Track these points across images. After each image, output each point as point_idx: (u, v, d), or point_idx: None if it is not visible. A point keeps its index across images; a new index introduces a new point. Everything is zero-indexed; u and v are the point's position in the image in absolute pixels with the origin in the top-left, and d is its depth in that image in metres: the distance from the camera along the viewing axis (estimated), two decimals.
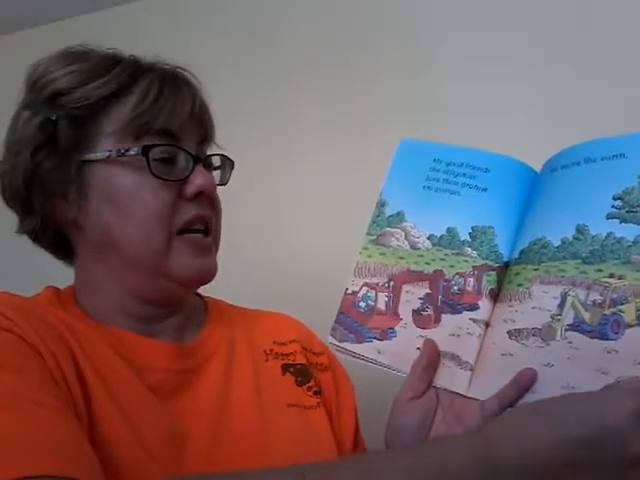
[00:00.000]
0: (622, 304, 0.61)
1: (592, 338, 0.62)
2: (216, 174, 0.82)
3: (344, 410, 0.86)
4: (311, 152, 1.53)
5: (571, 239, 0.66)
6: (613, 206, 0.64)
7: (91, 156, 0.73)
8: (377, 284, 0.75)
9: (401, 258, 0.75)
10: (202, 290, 0.84)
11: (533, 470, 0.52)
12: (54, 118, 0.73)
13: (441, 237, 0.75)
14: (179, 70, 0.80)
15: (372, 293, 0.75)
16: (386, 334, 0.73)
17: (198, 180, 0.75)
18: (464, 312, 0.72)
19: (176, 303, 0.79)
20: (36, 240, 0.79)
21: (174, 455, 0.68)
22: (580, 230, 0.66)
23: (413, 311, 0.74)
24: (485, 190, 0.74)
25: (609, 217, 0.64)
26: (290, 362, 0.84)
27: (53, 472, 0.50)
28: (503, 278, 0.72)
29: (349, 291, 0.76)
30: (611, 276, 0.62)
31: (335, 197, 1.47)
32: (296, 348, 0.86)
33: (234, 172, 0.84)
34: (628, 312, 0.60)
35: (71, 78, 0.74)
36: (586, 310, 0.63)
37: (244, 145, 1.23)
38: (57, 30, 1.84)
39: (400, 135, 0.82)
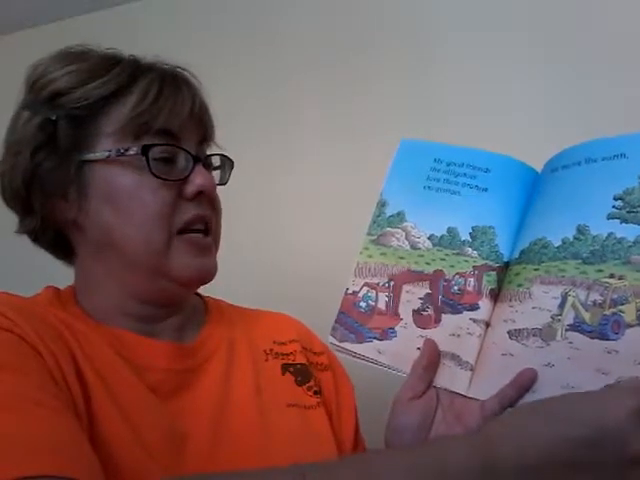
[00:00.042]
0: (622, 304, 0.61)
1: (592, 338, 0.62)
2: (216, 174, 0.82)
3: (344, 410, 0.86)
4: (311, 152, 1.53)
5: (572, 239, 0.66)
6: (614, 206, 0.64)
7: (91, 156, 0.73)
8: (377, 284, 0.75)
9: (401, 258, 0.75)
10: (202, 290, 0.84)
11: (533, 470, 0.51)
12: (54, 118, 0.73)
13: (441, 237, 0.75)
14: (179, 70, 0.80)
15: (372, 293, 0.75)
16: (386, 334, 0.73)
17: (198, 180, 0.75)
18: (464, 312, 0.72)
19: (176, 303, 0.78)
20: (36, 240, 0.79)
21: (174, 455, 0.68)
22: (581, 230, 0.66)
23: (413, 311, 0.74)
24: (486, 190, 0.74)
25: (610, 217, 0.64)
26: (290, 362, 0.84)
27: (53, 472, 0.50)
28: (503, 278, 0.72)
29: (349, 291, 0.76)
30: (611, 276, 0.62)
31: (335, 197, 1.47)
32: (296, 348, 0.86)
33: (234, 172, 0.83)
34: (628, 312, 0.60)
35: (70, 78, 0.74)
36: (586, 310, 0.63)
37: (244, 145, 1.23)
38: (57, 30, 1.84)
39: (400, 135, 0.82)
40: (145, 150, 0.72)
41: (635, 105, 1.21)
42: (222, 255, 0.80)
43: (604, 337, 0.61)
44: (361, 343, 0.74)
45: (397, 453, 0.61)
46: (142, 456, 0.64)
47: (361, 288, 0.76)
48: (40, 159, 0.74)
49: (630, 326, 0.60)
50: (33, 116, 0.74)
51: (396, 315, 0.74)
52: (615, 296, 0.61)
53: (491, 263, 0.72)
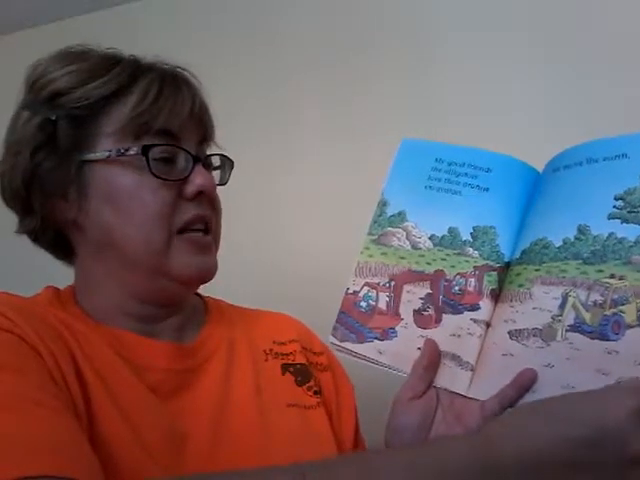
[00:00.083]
0: (623, 305, 0.61)
1: (593, 339, 0.62)
2: (216, 174, 0.82)
3: (344, 410, 0.86)
4: (311, 152, 1.53)
5: (572, 239, 0.66)
6: (615, 206, 0.64)
7: (91, 156, 0.73)
8: (378, 284, 0.75)
9: (402, 258, 0.75)
10: (202, 290, 0.84)
11: (533, 470, 0.51)
12: (54, 118, 0.73)
13: (442, 237, 0.75)
14: (179, 70, 0.79)
15: (373, 293, 0.75)
16: (387, 334, 0.73)
17: (198, 180, 0.75)
18: (465, 312, 0.72)
19: (176, 303, 0.78)
20: (36, 240, 0.79)
21: (174, 455, 0.67)
22: (582, 230, 0.65)
23: (414, 311, 0.74)
24: (487, 190, 0.74)
25: (611, 217, 0.64)
26: (290, 362, 0.84)
27: (53, 472, 0.50)
28: (504, 278, 0.72)
29: (350, 291, 0.76)
30: (612, 277, 0.62)
31: (335, 197, 1.47)
32: (296, 348, 0.86)
33: (234, 172, 0.83)
34: (629, 313, 0.60)
35: (70, 78, 0.74)
36: (587, 311, 0.63)
37: (244, 145, 1.23)
38: (57, 30, 1.84)
39: (400, 135, 0.81)
40: (145, 150, 0.72)
41: (635, 105, 1.21)
42: (222, 255, 0.80)
43: (604, 337, 0.61)
44: (362, 343, 0.74)
45: (397, 452, 0.61)
46: (142, 456, 0.64)
47: (362, 288, 0.76)
48: (40, 159, 0.73)
49: (630, 327, 0.60)
50: (33, 116, 0.74)
51: (397, 315, 0.74)
52: (616, 296, 0.61)
53: (492, 263, 0.72)
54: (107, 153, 0.72)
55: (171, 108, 0.74)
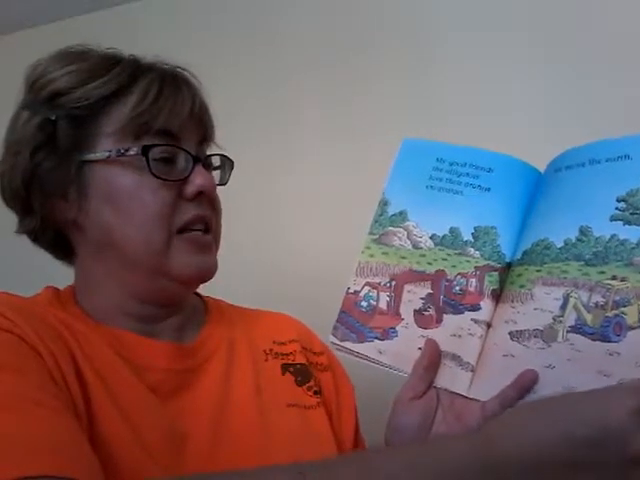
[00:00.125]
0: (624, 306, 0.60)
1: (594, 340, 0.61)
2: (216, 174, 0.82)
3: (344, 410, 0.86)
4: (311, 152, 1.53)
5: (574, 240, 0.66)
6: (617, 208, 0.64)
7: (91, 156, 0.73)
8: (379, 284, 0.75)
9: (403, 258, 0.75)
10: (202, 290, 0.84)
11: (534, 469, 0.51)
12: (53, 118, 0.73)
13: (443, 237, 0.74)
14: (179, 70, 0.79)
15: (374, 293, 0.75)
16: (387, 334, 0.73)
17: (198, 180, 0.75)
18: (466, 312, 0.72)
19: (176, 303, 0.78)
20: (36, 240, 0.79)
21: (174, 455, 0.67)
22: (583, 231, 0.65)
23: (415, 311, 0.73)
24: (488, 190, 0.74)
25: (613, 219, 0.64)
26: (290, 362, 0.84)
27: (53, 472, 0.50)
28: (505, 279, 0.71)
29: (351, 290, 0.76)
30: (614, 278, 0.62)
31: (335, 197, 1.47)
32: (296, 348, 0.86)
33: (234, 172, 0.83)
34: (630, 314, 0.60)
35: (70, 78, 0.73)
36: (588, 312, 0.63)
37: (244, 145, 1.23)
38: (57, 30, 1.83)
39: (400, 135, 0.81)
40: (145, 150, 0.72)
41: (635, 105, 1.21)
42: (222, 255, 0.80)
43: (606, 339, 0.61)
44: (362, 343, 0.74)
45: (397, 451, 0.61)
46: (142, 456, 0.64)
47: (362, 287, 0.76)
48: (40, 159, 0.73)
49: (632, 328, 0.60)
50: (33, 116, 0.74)
51: (397, 315, 0.74)
52: (617, 298, 0.61)
53: (493, 264, 0.72)
54: (107, 153, 0.72)
55: (171, 108, 0.74)
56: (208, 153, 0.81)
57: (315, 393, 0.83)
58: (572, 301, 0.64)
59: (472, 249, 0.73)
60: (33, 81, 0.75)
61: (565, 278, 0.65)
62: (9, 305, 0.67)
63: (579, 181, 0.68)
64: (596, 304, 0.62)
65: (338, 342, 0.75)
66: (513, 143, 0.87)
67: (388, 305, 0.74)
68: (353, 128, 1.49)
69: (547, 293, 0.66)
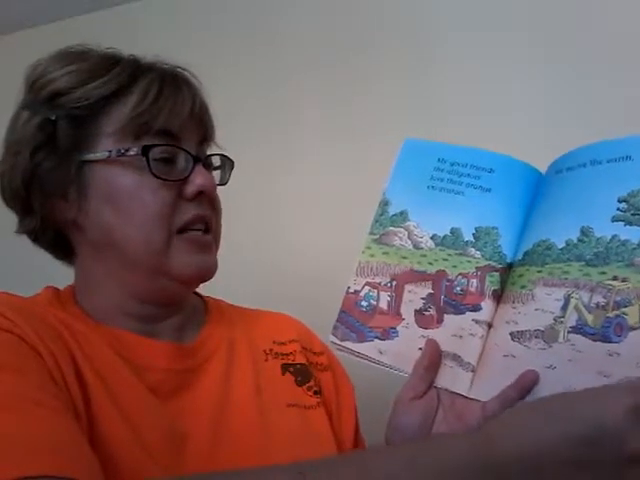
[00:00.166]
0: (626, 307, 0.60)
1: (594, 341, 0.61)
2: (216, 174, 0.82)
3: (344, 410, 0.86)
4: (311, 152, 1.53)
5: (575, 241, 0.66)
6: (618, 209, 0.64)
7: (91, 156, 0.73)
8: (379, 283, 0.75)
9: (404, 258, 0.75)
10: (202, 290, 0.84)
11: (533, 468, 0.51)
12: (53, 118, 0.73)
13: (444, 237, 0.74)
14: (179, 70, 0.79)
15: (374, 292, 0.75)
16: (388, 334, 0.73)
17: (198, 180, 0.75)
18: (467, 313, 0.71)
19: (176, 302, 0.78)
20: (36, 240, 0.79)
21: (174, 455, 0.67)
22: (585, 232, 0.65)
23: (415, 311, 0.73)
24: (489, 191, 0.74)
25: (614, 219, 0.64)
26: (290, 362, 0.84)
27: (53, 472, 0.50)
28: (506, 279, 0.71)
29: (351, 290, 0.76)
30: (615, 279, 0.62)
31: (335, 197, 1.47)
32: (296, 348, 0.86)
33: (234, 172, 0.83)
34: (632, 315, 0.60)
35: (70, 78, 0.73)
36: (589, 312, 0.63)
37: (244, 145, 1.23)
38: (57, 30, 1.83)
39: (400, 135, 0.81)
40: (145, 150, 0.72)
41: (635, 105, 1.21)
42: (222, 255, 0.80)
43: (606, 339, 0.60)
44: (362, 342, 0.74)
45: (397, 451, 0.61)
46: (142, 456, 0.64)
47: (363, 287, 0.75)
48: (40, 159, 0.73)
49: (633, 329, 0.59)
50: (33, 116, 0.74)
51: (398, 315, 0.74)
52: (618, 298, 0.61)
53: (494, 264, 0.72)
54: (107, 153, 0.72)
55: (171, 108, 0.74)
56: (208, 153, 0.81)
57: (315, 393, 0.83)
58: (573, 302, 0.64)
59: (473, 249, 0.73)
60: (33, 81, 0.75)
61: (566, 279, 0.65)
62: (9, 305, 0.67)
63: (580, 182, 0.68)
64: (597, 305, 0.62)
65: (338, 342, 0.75)
66: (513, 143, 0.87)
67: (389, 305, 0.74)
68: (353, 128, 1.49)
69: (548, 294, 0.66)
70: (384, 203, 0.78)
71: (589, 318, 0.62)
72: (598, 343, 0.61)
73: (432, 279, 0.74)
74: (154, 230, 0.72)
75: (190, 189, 0.74)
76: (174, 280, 0.74)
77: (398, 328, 0.73)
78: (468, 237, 0.74)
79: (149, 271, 0.74)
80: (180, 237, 0.74)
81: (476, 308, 0.71)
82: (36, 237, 0.79)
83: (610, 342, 0.60)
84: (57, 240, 0.78)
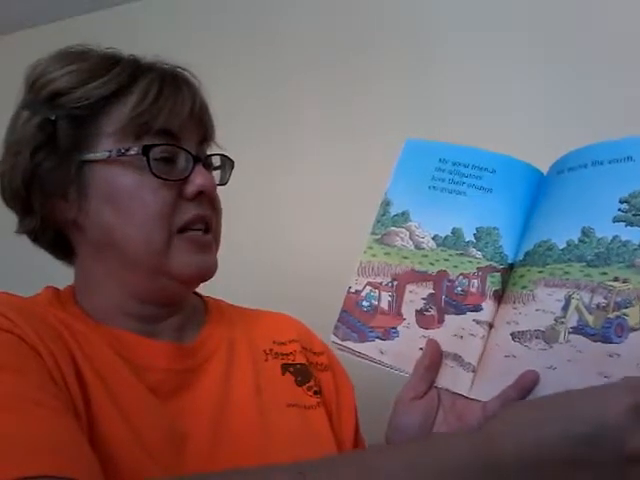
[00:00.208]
0: (626, 307, 0.60)
1: (595, 341, 0.61)
2: (216, 174, 0.82)
3: (344, 410, 0.86)
4: (311, 152, 1.53)
5: (576, 242, 0.66)
6: (619, 209, 0.63)
7: (91, 156, 0.73)
8: (381, 283, 0.75)
9: (405, 258, 0.75)
10: (202, 290, 0.84)
11: (533, 467, 0.51)
12: (53, 118, 0.73)
13: (446, 237, 0.74)
14: (179, 70, 0.79)
15: (375, 292, 0.75)
16: (389, 334, 0.73)
17: (198, 180, 0.75)
18: (468, 313, 0.71)
19: (176, 302, 0.78)
20: (36, 240, 0.79)
21: (174, 455, 0.67)
22: (586, 233, 0.65)
23: (416, 311, 0.73)
24: (491, 191, 0.74)
25: (615, 220, 0.64)
26: (290, 362, 0.84)
27: (53, 472, 0.50)
28: (507, 280, 0.71)
29: (352, 290, 0.76)
30: (616, 279, 0.62)
31: (335, 197, 1.47)
32: (296, 348, 0.86)
33: (234, 172, 0.83)
34: (632, 316, 0.60)
35: (70, 78, 0.73)
36: (590, 313, 0.62)
37: (244, 145, 1.23)
38: (57, 30, 1.83)
39: (400, 135, 0.81)
40: (146, 150, 0.72)
41: (635, 105, 1.22)
42: (222, 255, 0.80)
43: (607, 340, 0.60)
44: (363, 342, 0.74)
45: (397, 451, 0.60)
46: (142, 456, 0.64)
47: (364, 287, 0.75)
48: (40, 159, 0.73)
49: (634, 329, 0.59)
50: (33, 116, 0.74)
51: (399, 315, 0.74)
52: (619, 299, 0.61)
53: (495, 264, 0.72)
54: (107, 153, 0.72)
55: (171, 108, 0.74)
56: (208, 153, 0.81)
57: (315, 393, 0.83)
58: (574, 302, 0.64)
59: (474, 250, 0.73)
60: (33, 81, 0.75)
61: (567, 279, 0.65)
62: (9, 305, 0.67)
63: (582, 182, 0.68)
64: (598, 305, 0.62)
65: (339, 341, 0.75)
66: (513, 143, 0.87)
67: (390, 305, 0.74)
68: (353, 128, 1.49)
69: (549, 294, 0.66)
70: (386, 203, 0.78)
71: (590, 319, 0.62)
72: (599, 344, 0.61)
73: (433, 279, 0.74)
74: (154, 230, 0.72)
75: (190, 189, 0.74)
76: (174, 280, 0.74)
77: (399, 328, 0.73)
78: (469, 237, 0.74)
79: (149, 271, 0.74)
80: (180, 237, 0.74)
81: (477, 308, 0.71)
82: (36, 237, 0.78)
83: (611, 343, 0.60)
84: (57, 240, 0.78)
